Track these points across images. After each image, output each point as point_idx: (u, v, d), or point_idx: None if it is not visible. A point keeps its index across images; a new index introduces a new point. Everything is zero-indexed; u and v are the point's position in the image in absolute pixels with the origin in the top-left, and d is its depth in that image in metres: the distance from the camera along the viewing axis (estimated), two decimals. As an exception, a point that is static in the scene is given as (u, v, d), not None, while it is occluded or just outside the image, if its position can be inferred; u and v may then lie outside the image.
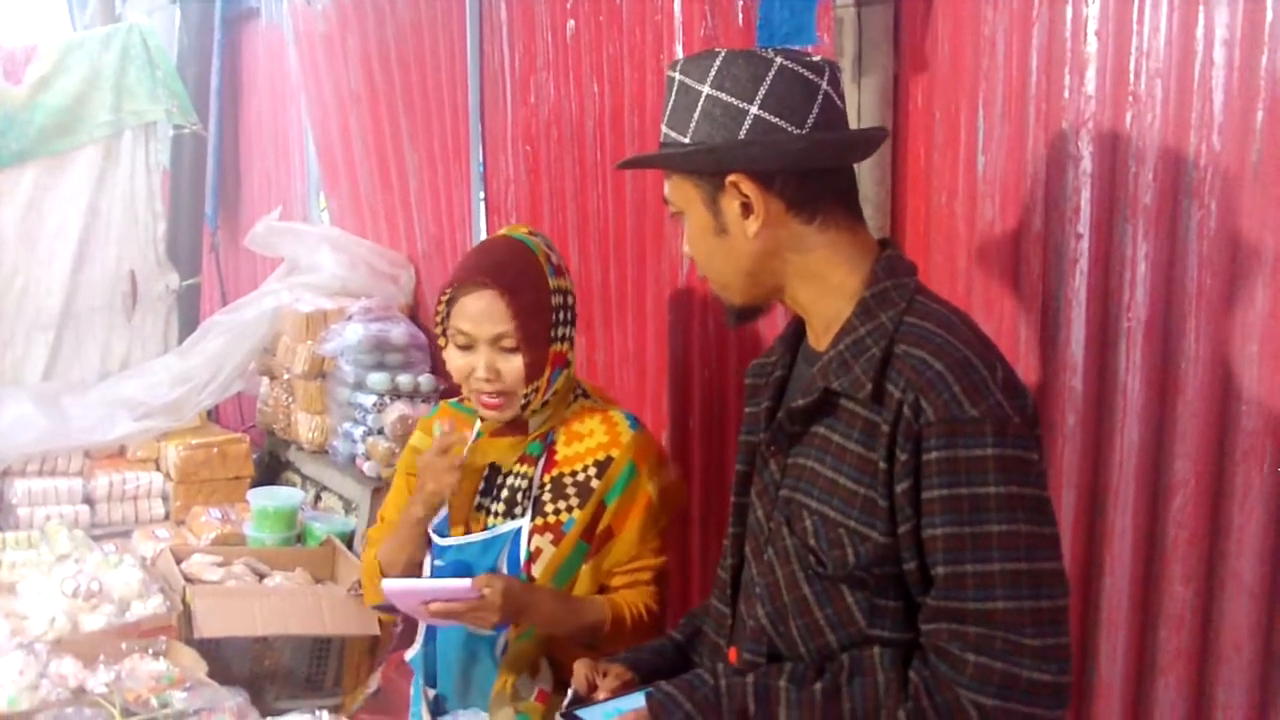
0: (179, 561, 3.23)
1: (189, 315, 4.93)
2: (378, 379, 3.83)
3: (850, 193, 1.52)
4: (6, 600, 2.98)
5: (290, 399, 4.32)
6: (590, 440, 2.08)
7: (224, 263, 5.76)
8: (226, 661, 2.91)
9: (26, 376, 4.66)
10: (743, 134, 1.42)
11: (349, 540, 3.60)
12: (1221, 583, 1.67)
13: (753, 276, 1.51)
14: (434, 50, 3.82)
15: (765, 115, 1.42)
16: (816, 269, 1.49)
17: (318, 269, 4.35)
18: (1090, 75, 1.76)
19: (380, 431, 3.81)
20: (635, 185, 2.84)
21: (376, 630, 3.03)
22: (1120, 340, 1.75)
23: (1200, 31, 1.61)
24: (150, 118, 4.80)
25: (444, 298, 2.05)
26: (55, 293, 4.69)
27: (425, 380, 3.89)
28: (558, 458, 2.08)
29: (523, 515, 2.06)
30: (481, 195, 3.70)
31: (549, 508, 2.05)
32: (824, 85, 1.44)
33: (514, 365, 2.01)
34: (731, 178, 1.45)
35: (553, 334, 2.03)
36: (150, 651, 2.67)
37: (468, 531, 2.10)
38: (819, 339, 1.52)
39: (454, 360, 2.05)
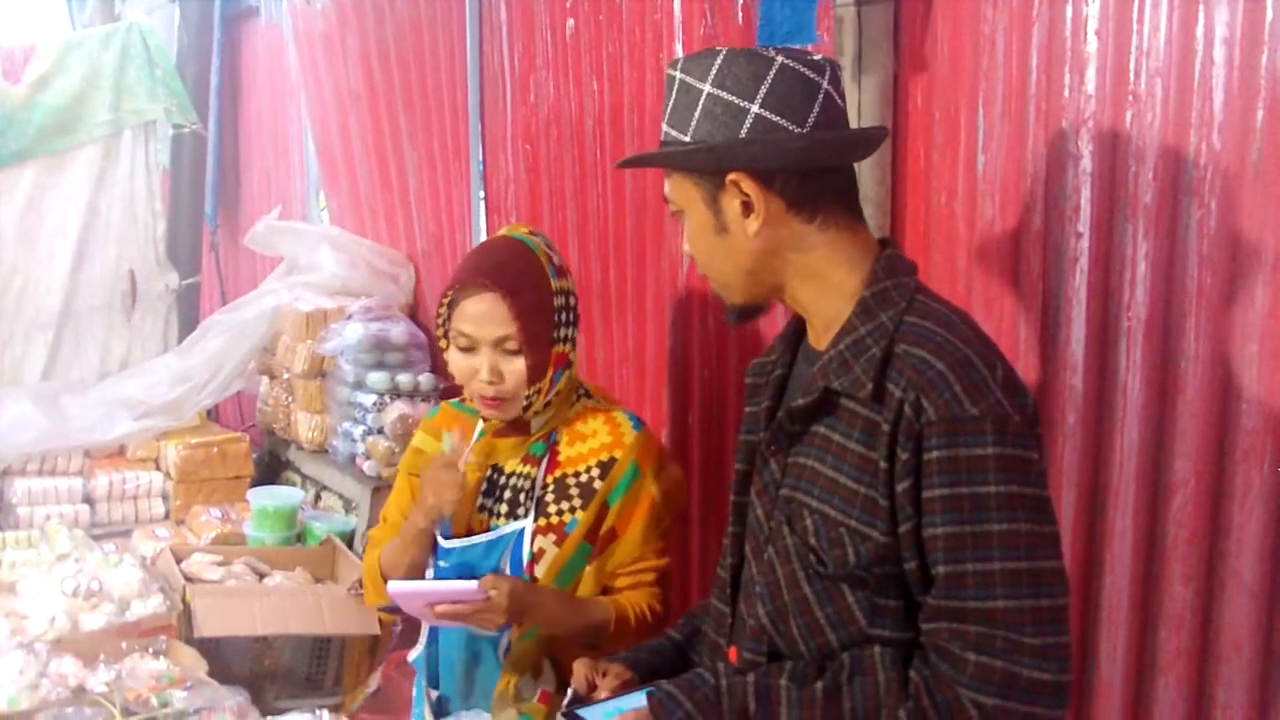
0: (179, 561, 3.23)
1: (189, 315, 4.93)
2: (377, 378, 3.84)
3: (850, 192, 1.52)
4: (6, 600, 2.98)
5: (290, 398, 4.32)
6: (593, 441, 2.08)
7: (224, 262, 5.76)
8: (226, 661, 2.90)
9: (26, 376, 4.66)
10: (744, 132, 1.42)
11: (349, 540, 3.59)
12: (1221, 582, 1.67)
13: (753, 275, 1.51)
14: (434, 49, 3.82)
15: (766, 114, 1.42)
16: (817, 268, 1.49)
17: (317, 268, 4.35)
18: (1090, 74, 1.75)
19: (380, 431, 3.81)
20: (635, 184, 2.84)
21: (376, 630, 3.03)
22: (1120, 339, 1.75)
23: (1200, 30, 1.61)
24: (150, 117, 4.80)
25: (445, 299, 2.05)
26: (55, 292, 4.69)
27: (425, 379, 3.89)
28: (561, 458, 2.08)
29: (525, 516, 2.06)
30: (481, 194, 3.70)
31: (552, 509, 2.05)
32: (825, 84, 1.44)
33: (517, 367, 2.00)
34: (732, 176, 1.45)
35: (555, 335, 2.03)
36: (150, 651, 2.67)
37: (470, 532, 2.09)
38: (819, 338, 1.52)
39: (456, 362, 2.05)
